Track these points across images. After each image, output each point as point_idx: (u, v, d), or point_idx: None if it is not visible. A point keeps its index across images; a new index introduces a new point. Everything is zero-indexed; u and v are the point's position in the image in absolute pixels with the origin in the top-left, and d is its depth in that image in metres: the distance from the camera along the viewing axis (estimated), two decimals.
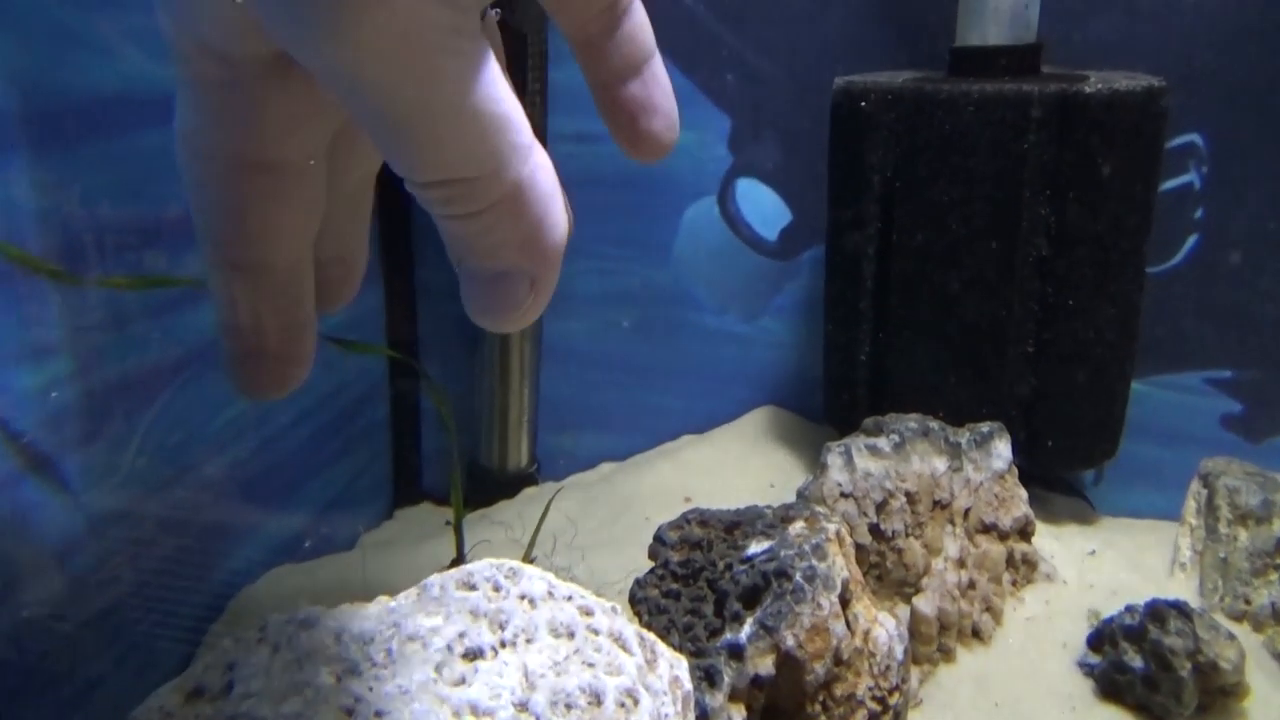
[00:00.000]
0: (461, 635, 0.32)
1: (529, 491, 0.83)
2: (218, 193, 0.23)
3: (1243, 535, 0.61)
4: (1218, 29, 0.71)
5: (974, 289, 0.67)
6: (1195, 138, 0.73)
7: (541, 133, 0.79)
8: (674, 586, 0.48)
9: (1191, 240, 0.75)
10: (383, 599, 0.34)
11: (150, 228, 0.54)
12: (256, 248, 0.24)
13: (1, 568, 0.44)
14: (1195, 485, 0.66)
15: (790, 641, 0.43)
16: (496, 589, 0.34)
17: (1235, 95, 0.71)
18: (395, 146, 0.20)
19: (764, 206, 0.82)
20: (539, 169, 0.21)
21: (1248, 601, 0.60)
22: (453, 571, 0.34)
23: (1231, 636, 0.52)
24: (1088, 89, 0.62)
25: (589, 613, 0.35)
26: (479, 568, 0.35)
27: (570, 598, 0.35)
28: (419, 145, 0.19)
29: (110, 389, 0.51)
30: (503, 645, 0.32)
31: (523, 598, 0.34)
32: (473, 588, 0.34)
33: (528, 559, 0.66)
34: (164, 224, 0.55)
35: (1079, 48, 0.73)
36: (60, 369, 0.47)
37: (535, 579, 0.35)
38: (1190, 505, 0.66)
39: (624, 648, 0.34)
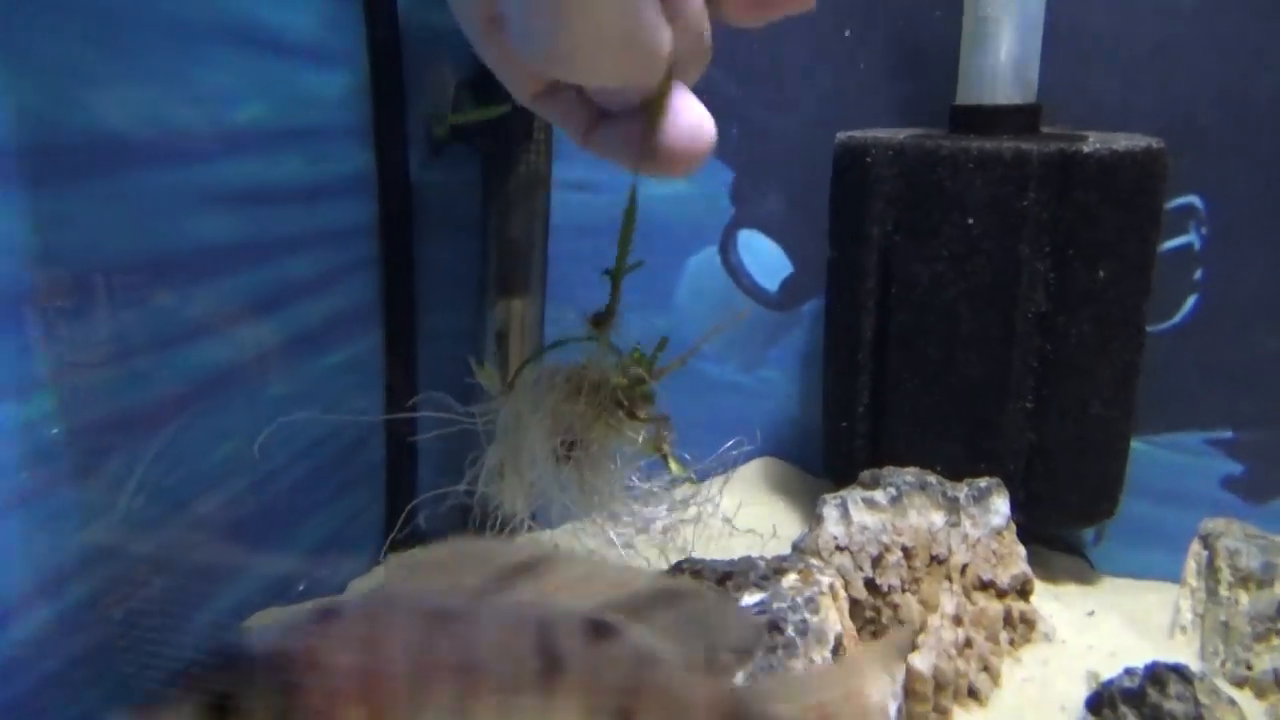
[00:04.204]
0: None
1: (522, 539, 0.82)
2: None
3: (1244, 598, 0.61)
4: (1217, 93, 0.72)
5: (973, 344, 0.67)
6: (1195, 199, 0.74)
7: (546, 180, 0.80)
8: None
9: (1191, 300, 0.75)
10: None
11: (158, 265, 0.54)
12: None
13: None
14: (1196, 546, 0.65)
15: None
16: None
17: (1235, 158, 0.72)
18: None
19: (765, 258, 0.83)
20: None
21: (1249, 667, 0.59)
22: None
23: (1233, 702, 0.51)
24: (1086, 149, 0.63)
25: None
26: None
27: None
28: None
29: (111, 424, 0.51)
30: None
31: None
32: None
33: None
34: (172, 261, 0.55)
35: (1079, 109, 0.74)
36: (61, 403, 0.47)
37: None
38: (1191, 566, 0.65)
39: None
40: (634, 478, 0.55)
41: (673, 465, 0.56)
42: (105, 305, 0.50)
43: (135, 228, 0.52)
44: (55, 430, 0.47)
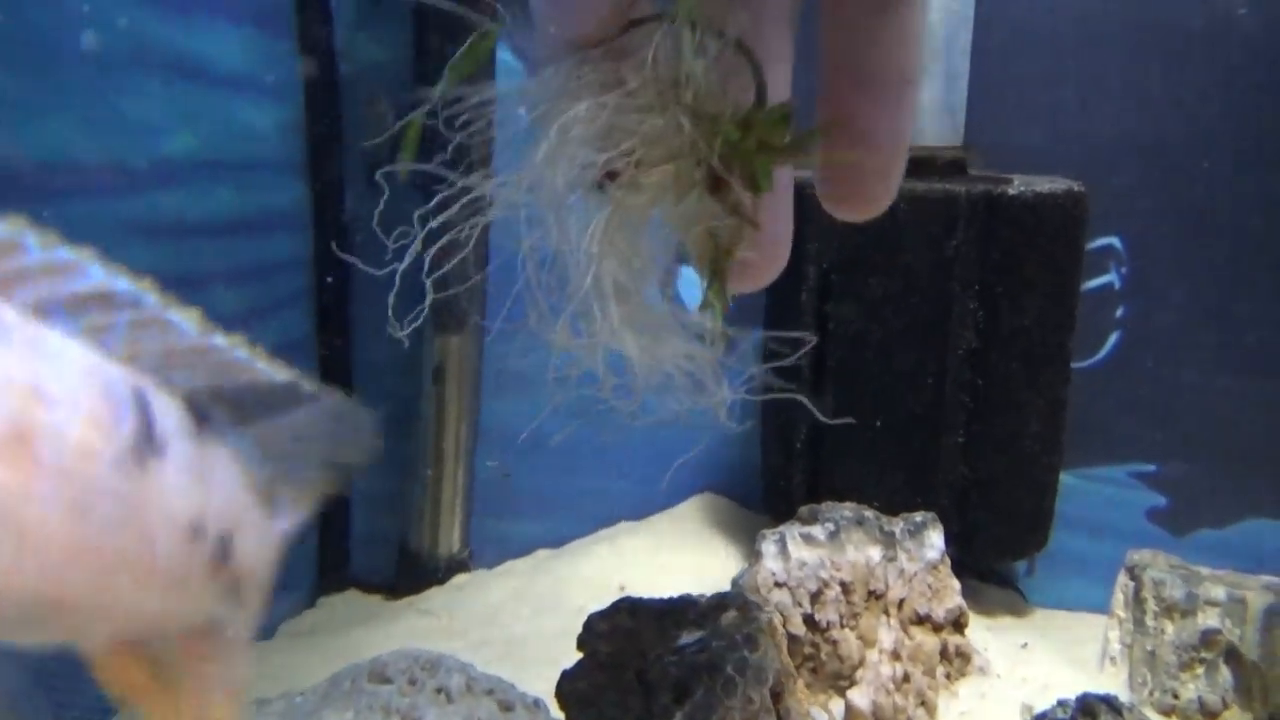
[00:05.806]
0: None
1: (460, 579, 0.81)
2: None
3: (1169, 628, 0.62)
4: (1135, 141, 0.75)
5: (907, 380, 0.68)
6: (1114, 240, 0.76)
7: (484, 209, 0.79)
8: (602, 679, 0.47)
9: (1114, 337, 0.77)
10: (289, 693, 0.32)
11: None
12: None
13: None
14: (1123, 578, 0.67)
15: None
16: (412, 683, 0.32)
17: (1151, 202, 0.75)
18: None
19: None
20: None
21: (1175, 695, 0.60)
22: (365, 663, 0.33)
23: None
24: (1011, 191, 0.65)
25: (509, 708, 0.33)
26: (394, 659, 0.33)
27: (491, 691, 0.34)
28: None
29: None
30: None
31: (439, 691, 0.32)
32: (387, 680, 0.33)
33: None
34: None
35: (1005, 154, 0.76)
36: None
37: (454, 672, 0.34)
38: (1119, 598, 0.66)
39: None
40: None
41: (713, 297, 0.30)
42: None
43: None
44: None
